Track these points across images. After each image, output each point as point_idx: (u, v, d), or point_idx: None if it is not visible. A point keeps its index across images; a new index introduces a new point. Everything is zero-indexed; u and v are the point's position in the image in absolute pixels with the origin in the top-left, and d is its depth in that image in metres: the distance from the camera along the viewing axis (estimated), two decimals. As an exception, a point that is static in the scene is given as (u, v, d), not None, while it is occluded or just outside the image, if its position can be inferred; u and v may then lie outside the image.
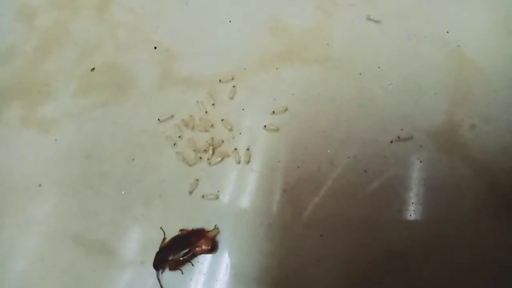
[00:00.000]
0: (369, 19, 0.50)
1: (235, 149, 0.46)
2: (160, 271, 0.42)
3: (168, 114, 0.48)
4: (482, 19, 0.50)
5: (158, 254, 0.42)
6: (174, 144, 0.46)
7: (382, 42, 0.49)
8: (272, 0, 0.52)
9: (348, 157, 0.45)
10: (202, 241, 0.41)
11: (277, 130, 0.46)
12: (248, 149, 0.46)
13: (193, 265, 0.42)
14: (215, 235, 0.43)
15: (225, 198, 0.44)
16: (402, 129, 0.45)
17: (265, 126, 0.46)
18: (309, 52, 0.50)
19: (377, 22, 0.50)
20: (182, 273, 0.42)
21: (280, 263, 0.42)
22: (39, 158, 0.48)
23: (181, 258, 0.41)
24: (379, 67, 0.48)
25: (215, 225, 0.43)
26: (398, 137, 0.45)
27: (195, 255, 0.42)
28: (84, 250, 0.44)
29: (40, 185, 0.46)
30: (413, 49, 0.49)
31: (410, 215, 0.43)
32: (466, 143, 0.45)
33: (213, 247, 0.41)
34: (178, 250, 0.41)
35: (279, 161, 0.45)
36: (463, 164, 0.44)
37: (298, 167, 0.45)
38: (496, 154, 0.44)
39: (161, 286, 0.41)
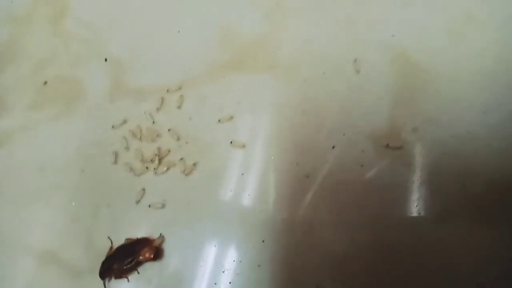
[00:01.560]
0: (314, 25, 0.51)
1: (181, 158, 0.47)
2: (107, 280, 0.43)
3: (121, 120, 0.49)
4: (427, 21, 0.50)
5: (103, 263, 0.43)
6: (117, 159, 0.47)
7: (327, 47, 0.50)
8: (220, 10, 0.53)
9: (291, 164, 0.45)
10: (146, 249, 0.42)
11: (243, 147, 0.46)
12: (194, 164, 0.46)
13: (138, 273, 0.43)
14: (160, 244, 0.44)
15: (171, 207, 0.45)
16: (344, 134, 0.46)
17: (231, 142, 0.47)
18: (256, 61, 0.50)
19: (323, 28, 0.51)
20: (128, 281, 0.43)
21: (224, 269, 0.43)
22: (-8, 171, 0.49)
23: (125, 267, 0.42)
24: (324, 73, 0.49)
25: (160, 234, 0.44)
26: (340, 142, 0.46)
27: (139, 263, 0.43)
28: (35, 260, 0.45)
29: (-8, 197, 0.48)
30: (358, 53, 0.49)
31: (351, 219, 0.43)
32: (407, 146, 0.45)
33: (156, 256, 0.42)
34: (123, 259, 0.42)
35: (224, 169, 0.46)
36: (404, 168, 0.45)
37: (242, 174, 0.46)
38: (437, 158, 0.45)
39: (106, 294, 0.43)
